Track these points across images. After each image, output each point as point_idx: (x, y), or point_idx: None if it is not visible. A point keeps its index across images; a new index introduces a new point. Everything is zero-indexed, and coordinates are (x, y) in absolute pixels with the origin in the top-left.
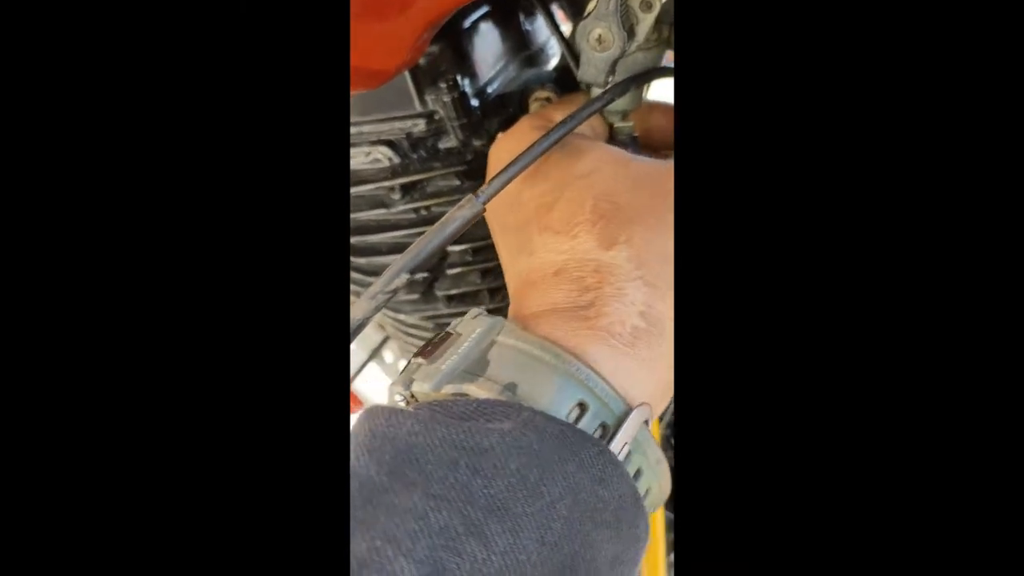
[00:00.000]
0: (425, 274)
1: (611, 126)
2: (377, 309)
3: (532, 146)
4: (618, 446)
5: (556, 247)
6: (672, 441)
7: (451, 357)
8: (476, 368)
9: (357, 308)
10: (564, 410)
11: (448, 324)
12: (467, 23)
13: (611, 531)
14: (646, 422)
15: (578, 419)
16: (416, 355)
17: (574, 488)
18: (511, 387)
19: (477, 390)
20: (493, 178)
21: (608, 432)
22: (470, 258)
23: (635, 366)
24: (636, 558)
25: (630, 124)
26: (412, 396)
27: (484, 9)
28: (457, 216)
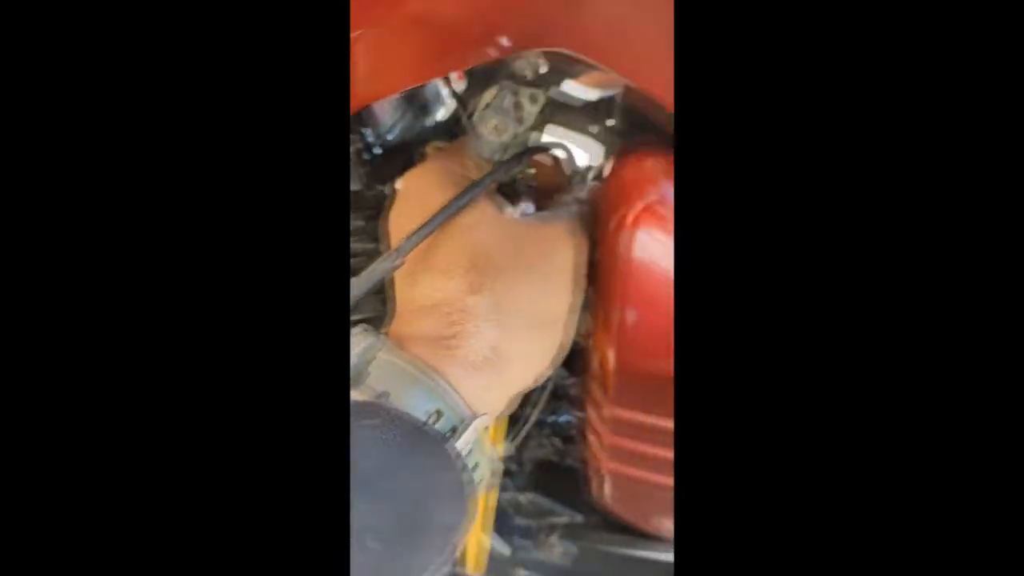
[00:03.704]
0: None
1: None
2: None
3: (444, 207)
4: (462, 444)
5: (436, 284)
6: None
7: None
8: (359, 378)
9: None
10: (424, 414)
11: None
12: None
13: (449, 505)
14: (486, 428)
15: (435, 422)
16: None
17: (423, 471)
18: (384, 395)
19: (357, 395)
20: (412, 234)
21: (457, 433)
22: None
23: (480, 386)
24: (466, 529)
25: (531, 172)
26: None
27: None
28: (379, 268)
